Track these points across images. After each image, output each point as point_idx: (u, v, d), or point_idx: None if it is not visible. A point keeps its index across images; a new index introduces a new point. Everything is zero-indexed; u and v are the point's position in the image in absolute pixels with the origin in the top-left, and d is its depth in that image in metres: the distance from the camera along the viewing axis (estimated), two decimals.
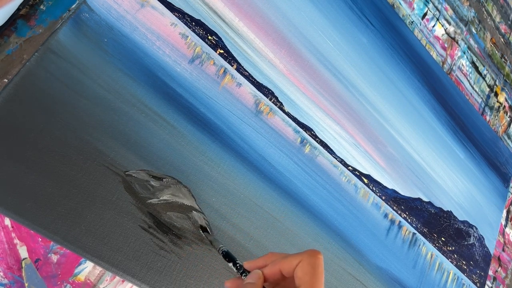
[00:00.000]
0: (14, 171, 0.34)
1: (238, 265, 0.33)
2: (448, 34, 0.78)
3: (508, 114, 0.89)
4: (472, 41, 0.83)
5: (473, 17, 0.84)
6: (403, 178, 0.65)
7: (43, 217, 0.35)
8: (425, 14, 0.75)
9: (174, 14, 0.45)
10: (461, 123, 0.76)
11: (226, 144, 0.47)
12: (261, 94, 0.51)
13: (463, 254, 0.73)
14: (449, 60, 0.78)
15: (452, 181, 0.73)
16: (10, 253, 0.35)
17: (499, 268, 0.81)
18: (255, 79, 0.51)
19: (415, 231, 0.66)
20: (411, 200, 0.66)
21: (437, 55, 0.76)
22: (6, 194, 0.34)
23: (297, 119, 0.54)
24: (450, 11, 0.79)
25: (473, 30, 0.84)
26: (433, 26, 0.76)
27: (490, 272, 0.78)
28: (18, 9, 0.37)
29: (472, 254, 0.75)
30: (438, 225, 0.69)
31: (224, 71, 0.48)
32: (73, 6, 0.39)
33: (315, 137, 0.55)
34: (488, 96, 0.85)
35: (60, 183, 0.36)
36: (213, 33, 0.48)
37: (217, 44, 0.48)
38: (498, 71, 0.88)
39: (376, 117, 0.63)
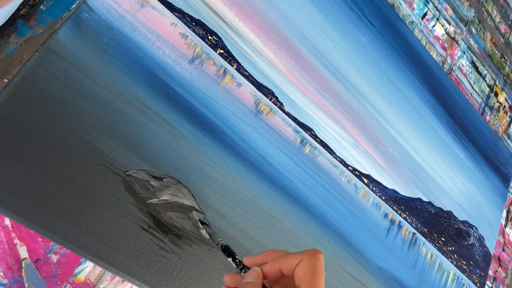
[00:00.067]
0: (14, 171, 0.34)
1: (237, 260, 0.33)
2: (448, 34, 0.78)
3: (508, 114, 0.89)
4: (472, 41, 0.83)
5: (473, 17, 0.84)
6: (403, 178, 0.65)
7: (43, 217, 0.35)
8: (425, 14, 0.75)
9: (174, 14, 0.45)
10: (461, 123, 0.76)
11: (226, 144, 0.47)
12: (261, 94, 0.51)
13: (463, 254, 0.73)
14: (449, 60, 0.78)
15: (452, 181, 0.72)
16: (10, 253, 0.35)
17: (499, 268, 0.81)
18: (255, 79, 0.51)
19: (415, 231, 0.66)
20: (411, 200, 0.66)
21: (437, 55, 0.76)
22: (6, 194, 0.34)
23: (297, 119, 0.54)
24: (450, 11, 0.79)
25: (473, 30, 0.84)
26: (433, 26, 0.76)
27: (490, 272, 0.78)
28: (18, 9, 0.37)
29: (472, 254, 0.75)
30: (438, 225, 0.69)
31: (224, 71, 0.48)
32: (73, 6, 0.39)
33: (315, 137, 0.55)
34: (488, 96, 0.85)
35: (60, 183, 0.36)
36: (213, 33, 0.48)
37: (217, 44, 0.48)
38: (498, 71, 0.88)
39: (376, 117, 0.63)
